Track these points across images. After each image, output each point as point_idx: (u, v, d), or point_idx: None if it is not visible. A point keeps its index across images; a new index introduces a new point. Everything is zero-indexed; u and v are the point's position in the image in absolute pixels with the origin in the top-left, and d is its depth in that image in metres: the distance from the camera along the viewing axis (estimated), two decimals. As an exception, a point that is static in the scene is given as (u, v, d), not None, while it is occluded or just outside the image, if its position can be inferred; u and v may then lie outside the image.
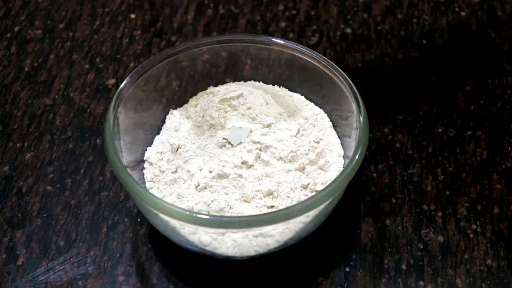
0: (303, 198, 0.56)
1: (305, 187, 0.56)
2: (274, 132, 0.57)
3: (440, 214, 0.61)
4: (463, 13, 0.77)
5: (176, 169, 0.57)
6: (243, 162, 0.55)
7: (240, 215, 0.54)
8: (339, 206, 0.57)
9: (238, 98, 0.58)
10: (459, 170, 0.64)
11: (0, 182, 0.63)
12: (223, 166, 0.55)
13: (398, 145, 0.66)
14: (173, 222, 0.53)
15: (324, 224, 0.57)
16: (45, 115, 0.68)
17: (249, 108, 0.58)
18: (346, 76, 0.59)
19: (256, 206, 0.55)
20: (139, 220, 0.61)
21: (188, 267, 0.58)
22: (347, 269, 0.58)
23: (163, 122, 0.62)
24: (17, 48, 0.74)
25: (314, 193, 0.56)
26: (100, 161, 0.65)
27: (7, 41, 0.75)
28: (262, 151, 0.56)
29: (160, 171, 0.58)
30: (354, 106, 0.57)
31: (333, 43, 0.75)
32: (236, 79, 0.65)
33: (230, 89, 0.61)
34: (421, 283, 0.57)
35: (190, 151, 0.57)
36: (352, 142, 0.57)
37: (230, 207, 0.55)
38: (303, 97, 0.63)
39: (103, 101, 0.69)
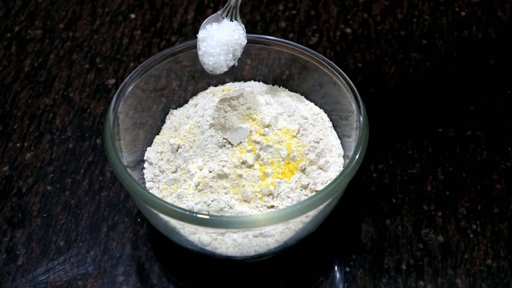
0: (303, 198, 0.56)
1: (305, 187, 0.56)
2: (274, 132, 0.57)
3: (440, 214, 0.61)
4: (463, 13, 0.77)
5: (176, 169, 0.57)
6: (243, 162, 0.55)
7: (240, 215, 0.54)
8: (339, 206, 0.57)
9: (238, 98, 0.58)
10: (459, 170, 0.64)
11: (0, 182, 0.63)
12: (223, 166, 0.55)
13: (398, 145, 0.66)
14: (173, 222, 0.53)
15: (324, 224, 0.57)
16: (45, 115, 0.68)
17: (249, 108, 0.58)
18: (346, 76, 0.59)
19: (256, 206, 0.55)
20: (139, 220, 0.61)
21: (188, 267, 0.58)
22: (347, 269, 0.58)
23: (163, 122, 0.62)
24: (17, 48, 0.74)
25: (314, 193, 0.56)
26: (100, 161, 0.65)
27: (7, 41, 0.75)
28: (262, 151, 0.56)
29: (160, 171, 0.58)
30: (354, 106, 0.57)
31: (333, 43, 0.74)
32: (236, 79, 0.65)
33: (230, 89, 0.61)
34: (421, 283, 0.57)
35: (190, 151, 0.57)
36: (352, 142, 0.57)
37: (230, 207, 0.55)
38: (303, 97, 0.63)
39: (103, 101, 0.69)
